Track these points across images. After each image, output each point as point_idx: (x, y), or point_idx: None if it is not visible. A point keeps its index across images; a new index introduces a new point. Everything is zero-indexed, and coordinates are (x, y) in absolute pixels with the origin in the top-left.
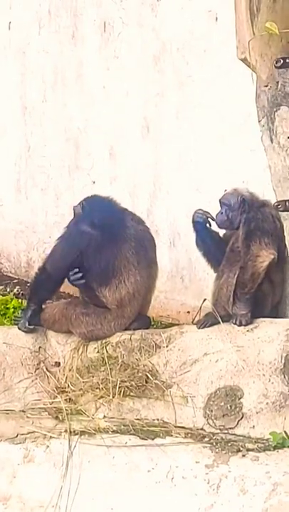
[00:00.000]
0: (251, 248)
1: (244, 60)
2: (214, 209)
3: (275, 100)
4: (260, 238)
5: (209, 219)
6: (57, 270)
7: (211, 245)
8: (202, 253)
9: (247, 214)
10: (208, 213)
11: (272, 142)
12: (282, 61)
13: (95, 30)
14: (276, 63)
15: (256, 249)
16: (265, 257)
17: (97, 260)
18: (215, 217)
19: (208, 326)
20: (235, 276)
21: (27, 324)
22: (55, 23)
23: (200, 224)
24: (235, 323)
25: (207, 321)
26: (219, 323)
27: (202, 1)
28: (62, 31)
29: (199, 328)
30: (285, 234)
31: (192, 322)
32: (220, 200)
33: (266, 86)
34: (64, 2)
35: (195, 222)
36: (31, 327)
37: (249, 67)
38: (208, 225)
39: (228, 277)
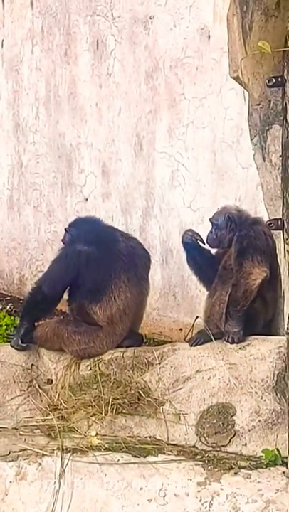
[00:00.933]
0: (244, 266)
1: (236, 79)
2: (207, 226)
3: (267, 119)
4: (252, 256)
5: (198, 241)
6: (54, 291)
7: (202, 264)
8: (193, 272)
9: (239, 232)
10: (198, 234)
11: (264, 160)
12: (274, 80)
13: (87, 48)
14: (268, 82)
15: (249, 267)
16: (258, 274)
17: (88, 278)
18: (205, 237)
19: (201, 344)
20: (228, 294)
21: (20, 342)
22: (48, 41)
23: (189, 244)
24: (227, 341)
25: (199, 339)
26: (212, 340)
27: (195, 19)
28: (55, 49)
29: (192, 345)
30: (278, 252)
31: (184, 339)
32: (209, 220)
33: (258, 104)
34: (57, 20)
35: (185, 243)
36: (24, 345)
37: (241, 85)
38: (200, 243)
39: (221, 295)
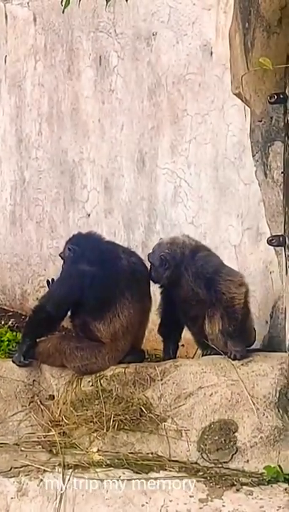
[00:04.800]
0: (222, 292)
1: (238, 95)
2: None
3: (269, 135)
4: (219, 276)
5: None
6: (57, 310)
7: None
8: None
9: (187, 271)
10: None
11: (266, 177)
12: (276, 97)
13: (90, 64)
14: (270, 99)
15: (226, 291)
16: (239, 295)
17: (92, 297)
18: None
19: (210, 354)
20: (218, 325)
21: (22, 359)
22: (51, 57)
23: None
24: (230, 357)
25: (209, 350)
26: (221, 354)
27: (197, 35)
28: (57, 65)
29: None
30: (279, 269)
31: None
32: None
33: (260, 121)
34: (60, 36)
35: None
36: (26, 361)
37: (243, 101)
38: None
39: (212, 330)
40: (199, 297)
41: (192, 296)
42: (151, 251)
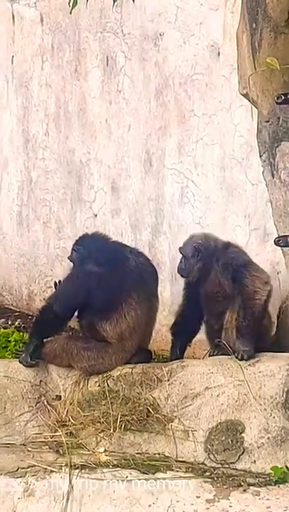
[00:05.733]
0: (246, 285)
1: (246, 96)
2: None
3: (276, 136)
4: (248, 271)
5: None
6: (65, 311)
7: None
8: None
9: (217, 262)
10: None
11: (273, 177)
12: (283, 97)
13: (97, 65)
14: (277, 99)
15: (251, 284)
16: (263, 291)
17: (99, 298)
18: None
19: (219, 355)
20: (228, 321)
21: (29, 359)
22: (58, 57)
23: None
24: (237, 357)
25: (217, 351)
26: (229, 354)
27: (205, 35)
28: (65, 65)
29: (210, 356)
30: (286, 269)
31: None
32: (179, 250)
33: (267, 121)
34: (67, 36)
35: None
36: (33, 362)
37: (250, 102)
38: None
39: (232, 319)
40: (226, 292)
41: (219, 291)
42: (181, 245)
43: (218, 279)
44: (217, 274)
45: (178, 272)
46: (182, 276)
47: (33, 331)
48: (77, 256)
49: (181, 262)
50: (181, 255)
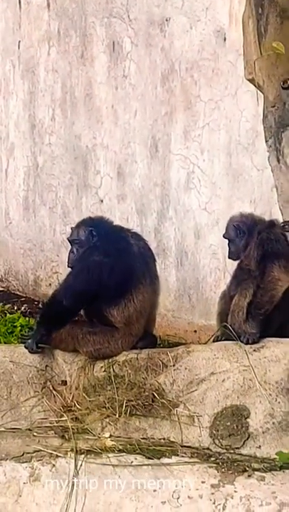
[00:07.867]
0: (272, 270)
1: (251, 81)
2: (221, 228)
3: (282, 121)
4: (278, 260)
5: None
6: (76, 304)
7: None
8: None
9: (259, 235)
10: None
11: (279, 162)
12: None
13: (104, 50)
14: (283, 84)
15: (277, 272)
16: (286, 281)
17: (111, 286)
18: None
19: (224, 340)
20: (246, 299)
21: (35, 347)
22: (65, 43)
23: None
24: (242, 341)
25: (222, 336)
26: (235, 339)
27: (211, 21)
28: (71, 51)
29: (214, 341)
30: None
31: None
32: (223, 236)
33: (273, 107)
34: (73, 22)
35: None
36: (39, 350)
37: (256, 87)
38: None
39: (239, 300)
40: (251, 271)
41: (248, 264)
42: (225, 228)
43: (251, 251)
44: (253, 246)
45: (229, 257)
46: (234, 259)
47: (41, 322)
48: (89, 238)
49: (229, 247)
50: (227, 241)
